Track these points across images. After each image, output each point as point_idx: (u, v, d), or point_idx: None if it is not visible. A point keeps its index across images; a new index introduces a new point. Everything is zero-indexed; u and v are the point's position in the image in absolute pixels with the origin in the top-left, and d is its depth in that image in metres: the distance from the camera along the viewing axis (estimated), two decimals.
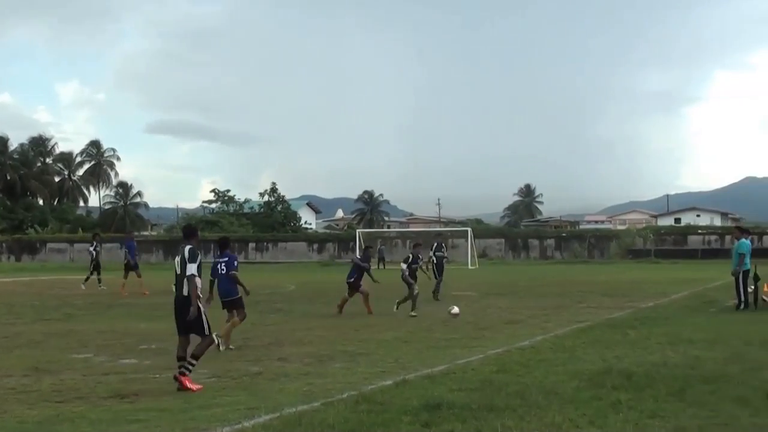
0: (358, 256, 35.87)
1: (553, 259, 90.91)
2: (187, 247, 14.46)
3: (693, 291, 37.42)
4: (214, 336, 15.57)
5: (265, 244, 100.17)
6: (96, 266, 42.74)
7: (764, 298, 29.09)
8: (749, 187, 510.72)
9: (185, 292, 14.17)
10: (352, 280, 27.92)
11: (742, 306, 27.95)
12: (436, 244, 36.48)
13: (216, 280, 19.81)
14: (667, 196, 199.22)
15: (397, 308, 27.82)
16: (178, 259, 14.44)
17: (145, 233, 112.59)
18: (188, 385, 13.63)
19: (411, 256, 29.05)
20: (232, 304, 19.84)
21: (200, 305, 14.32)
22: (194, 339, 14.60)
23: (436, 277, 34.45)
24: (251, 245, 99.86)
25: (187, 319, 14.11)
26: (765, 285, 29.64)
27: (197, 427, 11.19)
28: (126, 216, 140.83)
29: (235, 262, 19.96)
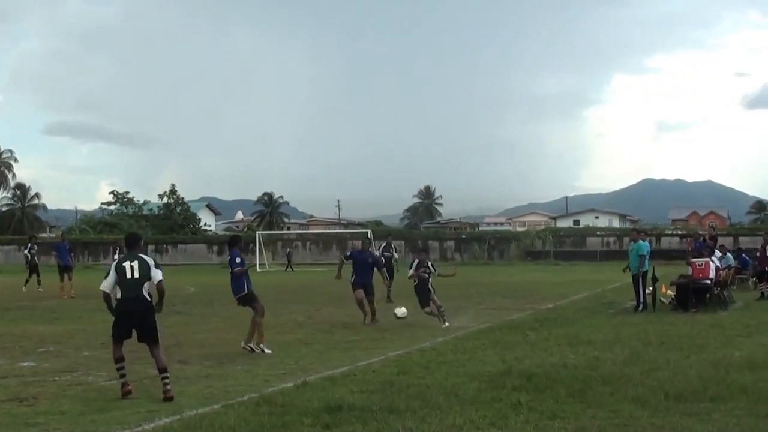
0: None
1: (453, 260, 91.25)
2: (147, 256, 14.39)
3: (592, 292, 37.83)
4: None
5: (164, 246, 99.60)
6: (33, 268, 42.03)
7: (662, 299, 29.53)
8: (647, 189, 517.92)
9: (147, 296, 13.97)
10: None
11: (641, 307, 28.34)
12: (385, 244, 36.56)
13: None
14: (566, 197, 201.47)
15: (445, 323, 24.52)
16: (134, 264, 13.94)
17: (44, 235, 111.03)
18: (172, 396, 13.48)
19: (417, 260, 26.05)
20: (243, 300, 19.49)
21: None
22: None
23: (385, 279, 32.66)
24: (150, 247, 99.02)
25: (153, 328, 13.97)
26: (663, 286, 30.09)
27: (96, 430, 11.14)
28: (24, 218, 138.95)
29: (237, 259, 19.62)
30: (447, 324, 24.15)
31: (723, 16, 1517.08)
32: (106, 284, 14.06)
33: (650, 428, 10.67)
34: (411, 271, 25.69)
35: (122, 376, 13.69)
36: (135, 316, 13.88)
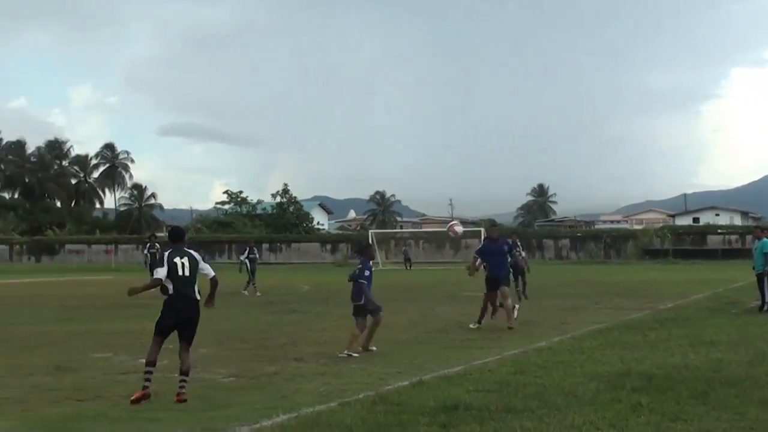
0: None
1: (568, 259, 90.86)
2: (194, 251, 14.33)
3: (713, 292, 37.27)
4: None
5: (278, 245, 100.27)
6: (153, 267, 41.27)
7: None
8: None
9: (197, 295, 13.98)
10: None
11: (766, 307, 27.83)
12: (510, 242, 34.91)
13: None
14: (685, 195, 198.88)
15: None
16: (184, 261, 13.96)
17: (160, 234, 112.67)
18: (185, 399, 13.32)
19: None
20: (358, 310, 19.31)
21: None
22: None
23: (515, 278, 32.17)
24: (265, 246, 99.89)
25: (195, 329, 14.10)
26: None
27: (215, 427, 11.22)
28: (141, 218, 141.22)
29: (366, 272, 19.43)
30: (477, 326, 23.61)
31: None
32: (161, 274, 13.92)
33: None
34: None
35: (147, 380, 13.38)
36: (182, 312, 13.93)
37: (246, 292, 38.91)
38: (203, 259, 14.23)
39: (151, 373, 13.40)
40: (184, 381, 13.44)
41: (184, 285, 13.83)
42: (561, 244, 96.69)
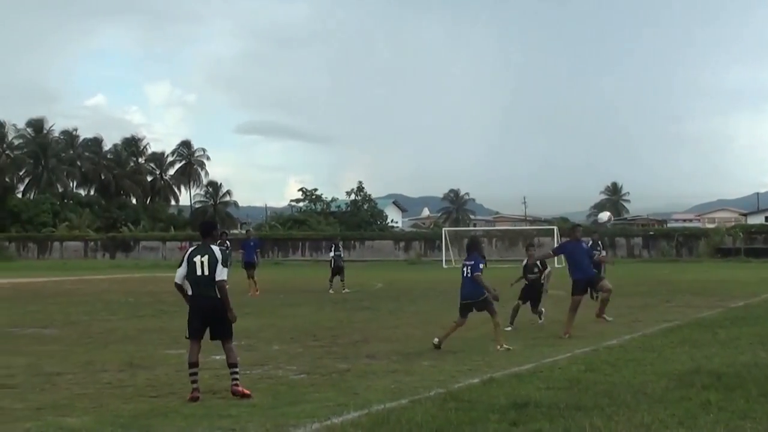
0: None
1: (640, 257, 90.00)
2: (218, 249, 13.85)
3: None
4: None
5: (352, 242, 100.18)
6: (338, 270, 40.83)
7: None
8: None
9: (219, 295, 13.53)
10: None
11: None
12: (591, 242, 33.51)
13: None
14: (758, 194, 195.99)
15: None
16: (203, 259, 13.53)
17: (235, 231, 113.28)
18: (246, 391, 13.29)
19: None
20: (480, 305, 19.41)
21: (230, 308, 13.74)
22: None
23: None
24: (340, 243, 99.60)
25: (227, 325, 13.65)
26: None
27: (287, 423, 11.25)
28: (216, 215, 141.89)
29: (481, 265, 19.61)
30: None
31: None
32: (178, 275, 13.82)
33: None
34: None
35: (194, 382, 13.34)
36: (206, 312, 13.58)
37: (332, 291, 38.77)
38: (227, 262, 13.81)
39: (195, 374, 13.43)
40: (236, 373, 13.39)
41: (203, 284, 13.55)
42: (633, 242, 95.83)
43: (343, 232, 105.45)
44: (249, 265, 38.90)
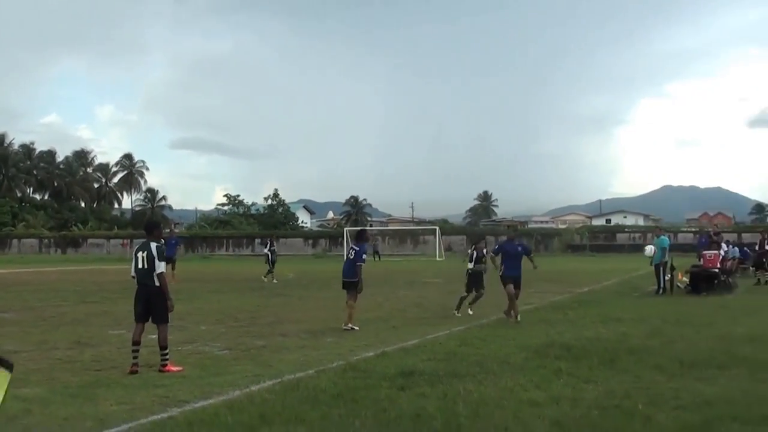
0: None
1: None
2: (155, 245, 13.45)
3: (621, 279, 37.54)
4: None
5: (268, 240, 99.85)
6: (272, 263, 39.79)
7: (678, 284, 29.26)
8: (666, 193, 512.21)
9: (156, 283, 13.24)
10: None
11: (661, 291, 28.17)
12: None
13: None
14: (600, 201, 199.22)
15: (470, 311, 21.79)
16: (143, 254, 13.32)
17: (167, 230, 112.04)
18: (173, 369, 12.99)
19: (474, 253, 22.66)
20: (349, 286, 19.06)
21: (168, 296, 13.48)
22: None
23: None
24: (257, 241, 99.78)
25: (162, 311, 13.29)
26: (679, 274, 29.81)
27: (212, 391, 11.21)
28: (153, 217, 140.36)
29: (364, 256, 19.36)
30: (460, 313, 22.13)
31: (728, 50, 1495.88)
32: (131, 269, 13.60)
33: (668, 391, 10.59)
34: (471, 265, 22.49)
35: (134, 357, 13.13)
36: (145, 298, 13.36)
37: (266, 279, 38.34)
38: (162, 257, 13.44)
39: (137, 351, 13.22)
40: (165, 354, 13.12)
41: (143, 276, 13.35)
42: (500, 240, 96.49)
43: (261, 231, 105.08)
44: (169, 259, 38.08)
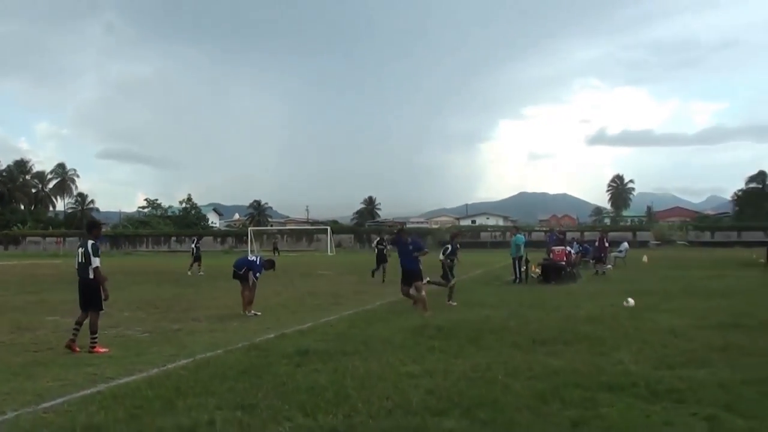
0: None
1: (390, 249, 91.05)
2: (90, 242, 13.08)
3: (484, 270, 37.98)
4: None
5: (183, 237, 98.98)
6: (198, 258, 39.68)
7: (532, 275, 29.78)
8: (522, 198, 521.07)
9: (91, 276, 12.97)
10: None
11: (518, 281, 28.60)
12: (379, 238, 31.94)
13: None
14: (467, 204, 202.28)
15: (450, 301, 20.53)
16: (81, 251, 13.10)
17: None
18: (100, 351, 12.77)
19: (449, 246, 21.67)
20: (242, 276, 18.86)
21: (103, 287, 13.19)
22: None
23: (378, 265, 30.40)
24: (173, 239, 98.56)
25: (94, 300, 13.09)
26: (533, 266, 30.34)
27: (134, 369, 11.09)
28: (83, 218, 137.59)
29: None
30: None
31: (574, 80, 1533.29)
32: (75, 262, 13.35)
33: (523, 364, 10.74)
34: (442, 257, 21.51)
35: (74, 335, 13.04)
36: (80, 290, 13.21)
37: (190, 273, 37.60)
38: (97, 252, 13.10)
39: (77, 330, 13.09)
40: (94, 338, 12.93)
41: (80, 270, 13.15)
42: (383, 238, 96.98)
43: (177, 230, 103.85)
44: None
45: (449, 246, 21.58)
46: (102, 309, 13.29)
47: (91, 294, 13.12)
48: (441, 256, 21.35)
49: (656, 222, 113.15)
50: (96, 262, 12.99)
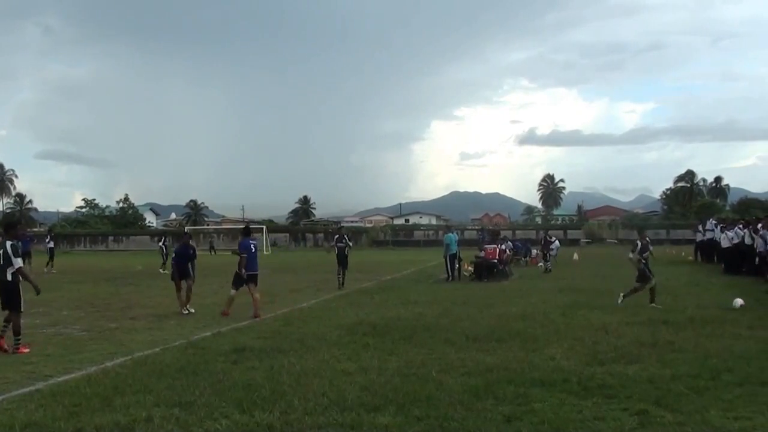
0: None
1: (322, 247, 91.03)
2: (9, 243, 12.58)
3: (418, 268, 38.17)
4: None
5: (120, 237, 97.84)
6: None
7: (464, 273, 30.02)
8: (454, 198, 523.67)
9: (9, 278, 12.46)
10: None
11: (450, 278, 28.78)
12: (338, 236, 28.16)
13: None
14: (400, 204, 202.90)
15: (622, 301, 18.07)
16: (0, 251, 12.52)
17: (35, 229, 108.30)
18: (23, 350, 12.44)
19: (639, 244, 18.33)
20: (185, 273, 18.92)
21: (33, 284, 12.87)
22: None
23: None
24: (110, 238, 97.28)
25: (14, 300, 12.61)
26: (465, 264, 30.56)
27: (73, 367, 11.03)
28: (22, 218, 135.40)
29: (191, 251, 19.48)
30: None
31: (504, 81, 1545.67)
32: None
33: (456, 360, 10.84)
34: (632, 255, 18.43)
35: (2, 332, 12.70)
36: (1, 291, 12.61)
37: (162, 270, 36.82)
38: (17, 253, 12.56)
39: (5, 329, 12.72)
40: (18, 339, 12.60)
41: None
42: (317, 237, 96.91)
43: (114, 230, 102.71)
44: (25, 254, 36.27)
45: (639, 243, 18.57)
46: (21, 310, 12.86)
47: (9, 295, 12.68)
48: (631, 255, 18.62)
49: (587, 221, 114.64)
50: (18, 262, 12.59)
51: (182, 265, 19.01)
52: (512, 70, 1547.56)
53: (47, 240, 41.86)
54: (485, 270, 29.03)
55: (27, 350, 12.51)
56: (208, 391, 9.01)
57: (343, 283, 25.92)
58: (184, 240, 20.09)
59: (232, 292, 18.26)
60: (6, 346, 12.60)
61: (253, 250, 18.16)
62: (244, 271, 17.69)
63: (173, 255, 18.91)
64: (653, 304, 17.67)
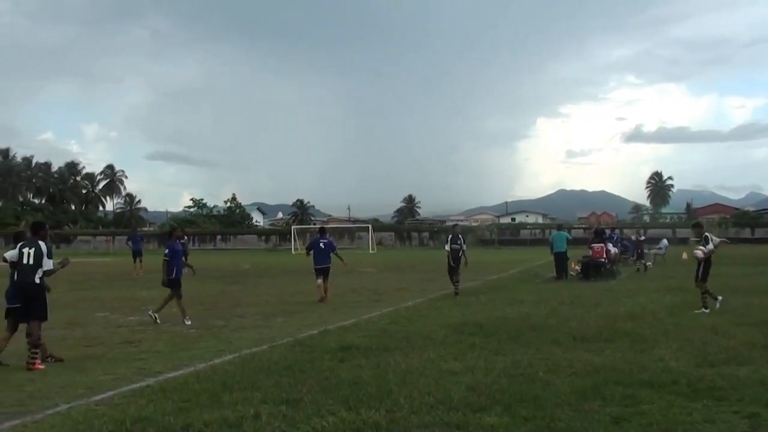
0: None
1: (427, 246, 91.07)
2: (43, 244, 11.71)
3: (524, 267, 37.85)
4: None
5: (228, 236, 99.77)
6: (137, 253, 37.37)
7: (572, 272, 29.59)
8: (561, 196, 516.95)
9: (37, 280, 11.49)
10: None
11: (564, 277, 28.44)
12: (452, 236, 24.14)
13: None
14: (506, 202, 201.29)
15: (718, 305, 17.03)
16: (30, 251, 11.51)
17: (145, 229, 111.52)
18: (38, 366, 11.05)
19: (708, 236, 17.36)
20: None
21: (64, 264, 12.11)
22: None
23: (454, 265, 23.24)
24: (218, 237, 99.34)
25: (39, 307, 11.57)
26: (572, 263, 30.13)
27: (181, 364, 11.19)
28: (131, 217, 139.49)
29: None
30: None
31: (610, 78, 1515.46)
32: (10, 254, 11.75)
33: (563, 361, 10.66)
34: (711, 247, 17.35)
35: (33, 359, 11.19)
36: (23, 297, 11.49)
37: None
38: (51, 254, 11.76)
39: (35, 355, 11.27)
40: (35, 353, 11.22)
41: (26, 273, 11.45)
42: (422, 235, 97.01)
43: (222, 229, 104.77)
44: (137, 253, 36.66)
45: (707, 235, 17.54)
46: (46, 319, 11.83)
47: (32, 302, 11.58)
48: (706, 248, 17.31)
49: (696, 219, 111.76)
50: (49, 264, 11.69)
51: (179, 267, 17.33)
52: (617, 66, 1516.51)
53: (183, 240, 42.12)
54: (592, 269, 28.59)
55: (42, 367, 11.14)
56: (315, 389, 9.05)
57: (457, 292, 22.40)
58: (176, 236, 18.77)
59: (318, 281, 20.74)
60: (40, 365, 11.24)
61: (322, 247, 20.93)
62: (312, 264, 20.78)
63: (164, 256, 17.15)
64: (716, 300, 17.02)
